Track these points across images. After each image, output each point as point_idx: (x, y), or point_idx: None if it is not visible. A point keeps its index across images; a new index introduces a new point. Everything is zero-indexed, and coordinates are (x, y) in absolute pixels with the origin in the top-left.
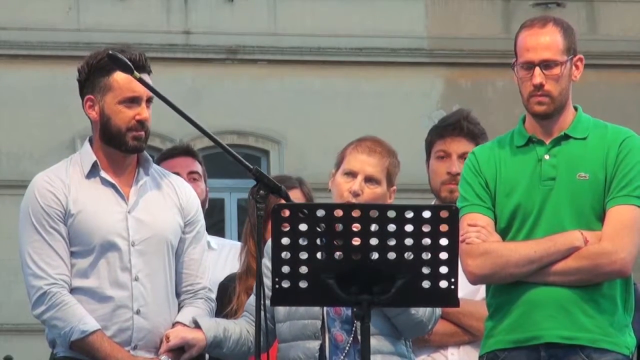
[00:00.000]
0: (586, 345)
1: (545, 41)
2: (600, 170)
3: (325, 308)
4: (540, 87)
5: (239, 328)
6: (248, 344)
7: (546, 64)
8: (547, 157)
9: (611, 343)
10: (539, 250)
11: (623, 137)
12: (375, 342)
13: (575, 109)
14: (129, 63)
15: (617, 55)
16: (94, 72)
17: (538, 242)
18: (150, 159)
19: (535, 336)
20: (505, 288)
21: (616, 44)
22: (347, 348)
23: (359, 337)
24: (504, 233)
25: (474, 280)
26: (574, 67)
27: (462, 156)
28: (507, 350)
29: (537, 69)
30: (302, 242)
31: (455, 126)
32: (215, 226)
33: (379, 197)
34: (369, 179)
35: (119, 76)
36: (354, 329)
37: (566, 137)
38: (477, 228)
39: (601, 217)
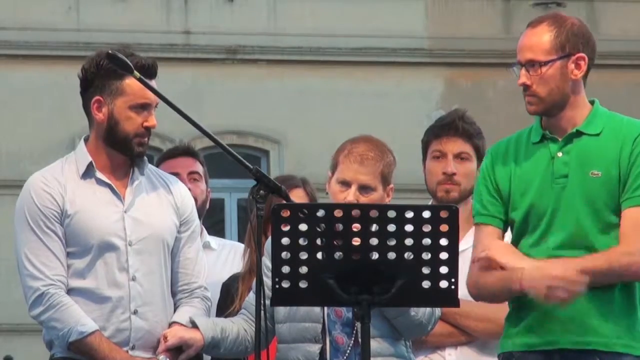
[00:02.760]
0: (600, 350)
1: (530, 41)
2: (614, 167)
3: (326, 311)
4: (525, 87)
5: (237, 327)
6: (245, 343)
7: (531, 64)
8: (559, 154)
9: (625, 346)
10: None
11: (637, 132)
12: (375, 344)
13: (592, 102)
14: (127, 62)
15: (617, 55)
16: (105, 74)
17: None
18: (146, 159)
19: (549, 341)
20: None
21: (616, 44)
22: (348, 351)
23: (360, 340)
24: (521, 232)
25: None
26: (572, 66)
27: (458, 156)
28: (522, 352)
29: (523, 70)
30: (302, 242)
31: (451, 126)
32: (216, 226)
33: (375, 202)
34: (363, 188)
35: (131, 81)
36: (354, 331)
37: (578, 133)
38: (483, 253)
39: (617, 212)
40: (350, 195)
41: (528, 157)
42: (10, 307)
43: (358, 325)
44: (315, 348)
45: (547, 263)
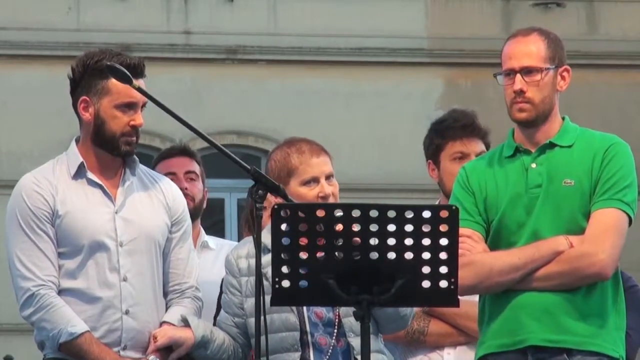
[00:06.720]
0: (572, 348)
1: (526, 49)
2: (586, 177)
3: (306, 314)
4: (520, 93)
5: (223, 335)
6: (228, 352)
7: (527, 71)
8: (533, 165)
9: (597, 345)
10: (523, 257)
11: (609, 143)
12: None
13: (563, 119)
14: (127, 73)
15: (617, 55)
16: (91, 74)
17: (522, 249)
18: (137, 159)
19: (521, 340)
20: (494, 295)
21: (616, 44)
22: (330, 350)
23: (345, 337)
24: (495, 244)
25: (460, 291)
26: (559, 78)
27: (479, 156)
28: (496, 354)
29: (518, 76)
30: (302, 242)
31: (473, 127)
32: (215, 226)
33: (337, 188)
34: (328, 177)
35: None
36: (335, 330)
37: (552, 145)
38: (462, 239)
39: (588, 218)
40: (326, 188)
41: (502, 170)
42: (10, 307)
43: (339, 322)
44: (295, 356)
45: None
